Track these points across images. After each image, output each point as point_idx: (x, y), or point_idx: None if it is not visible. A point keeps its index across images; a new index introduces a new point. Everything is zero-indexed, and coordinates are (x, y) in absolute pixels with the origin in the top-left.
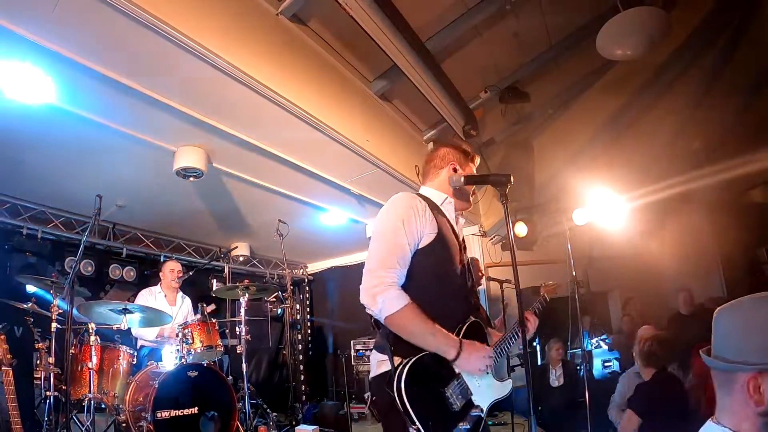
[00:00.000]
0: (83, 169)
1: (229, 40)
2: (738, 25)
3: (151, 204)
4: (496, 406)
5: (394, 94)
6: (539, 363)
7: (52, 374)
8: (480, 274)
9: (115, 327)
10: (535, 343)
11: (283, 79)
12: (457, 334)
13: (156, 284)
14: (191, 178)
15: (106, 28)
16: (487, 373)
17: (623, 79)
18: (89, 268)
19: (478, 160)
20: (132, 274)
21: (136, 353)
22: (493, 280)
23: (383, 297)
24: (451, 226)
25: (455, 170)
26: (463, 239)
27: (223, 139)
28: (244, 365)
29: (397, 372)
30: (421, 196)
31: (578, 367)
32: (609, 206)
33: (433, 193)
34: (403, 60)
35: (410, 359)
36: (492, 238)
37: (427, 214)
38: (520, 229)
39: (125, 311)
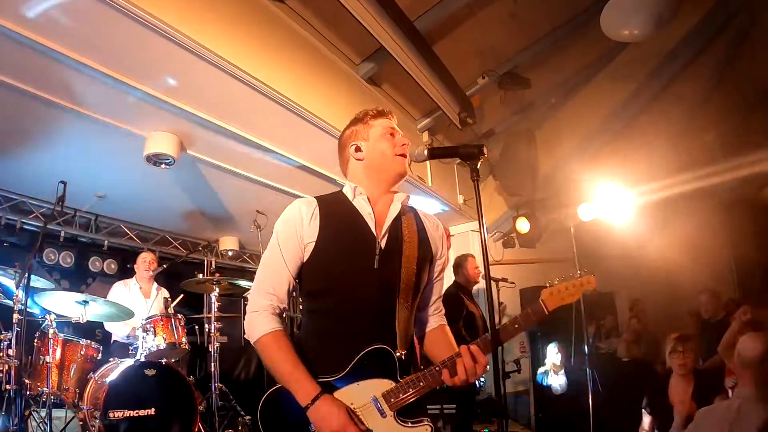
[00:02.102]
0: (52, 157)
1: (194, 16)
2: (752, 9)
3: (132, 195)
4: (492, 414)
5: (384, 78)
6: (540, 368)
7: (12, 367)
8: (476, 271)
9: (74, 320)
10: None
11: (257, 60)
12: (352, 367)
13: (132, 276)
14: (163, 166)
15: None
16: (383, 415)
17: (631, 66)
18: (68, 260)
19: (387, 121)
20: (113, 267)
21: (100, 348)
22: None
23: (248, 322)
24: (361, 222)
25: (358, 149)
26: (402, 234)
27: (197, 124)
28: (212, 364)
29: (263, 398)
30: (321, 198)
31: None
32: (616, 201)
33: (347, 187)
34: (389, 40)
35: (275, 387)
36: (492, 235)
37: (310, 220)
38: (522, 225)
39: (85, 303)
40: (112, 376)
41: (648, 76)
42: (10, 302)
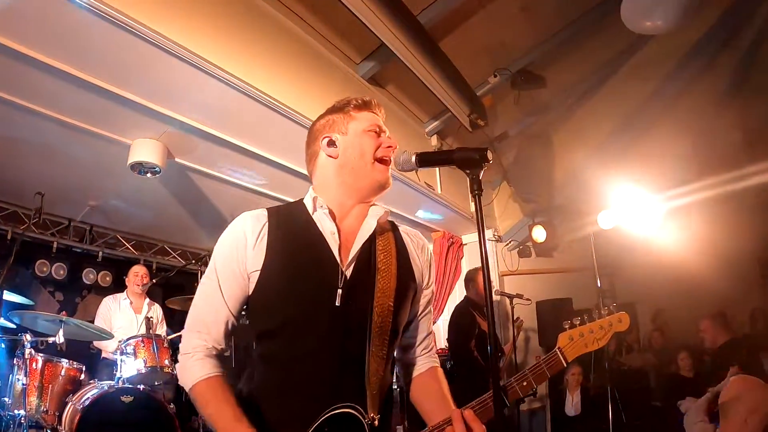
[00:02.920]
0: (35, 166)
1: (171, 14)
2: None
3: (126, 205)
4: None
5: (387, 78)
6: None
7: None
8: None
9: (50, 340)
10: None
11: (244, 61)
12: None
13: (124, 290)
14: (149, 175)
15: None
16: None
17: (654, 62)
18: (61, 272)
19: (373, 116)
20: (108, 279)
21: (83, 368)
22: (503, 294)
23: (179, 366)
24: (321, 244)
25: (332, 142)
26: (374, 260)
27: (185, 131)
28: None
29: None
30: (273, 209)
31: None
32: (638, 208)
33: (308, 196)
34: (390, 36)
35: None
36: (508, 244)
37: (257, 241)
38: (539, 234)
39: (61, 323)
40: (86, 402)
41: (670, 72)
42: None
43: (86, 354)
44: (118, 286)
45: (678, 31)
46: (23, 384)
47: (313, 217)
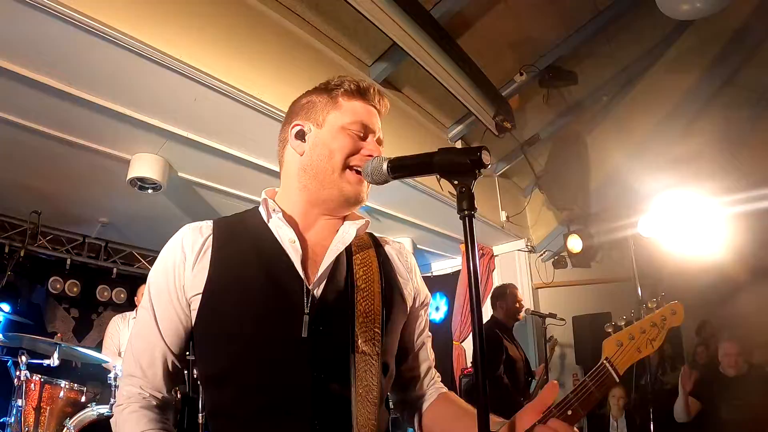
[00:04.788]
0: (36, 183)
1: (170, 26)
2: None
3: (137, 220)
4: None
5: (403, 80)
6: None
7: None
8: (520, 305)
9: (45, 363)
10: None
11: (245, 70)
12: None
13: (134, 309)
14: (150, 191)
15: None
16: None
17: (695, 50)
18: (75, 289)
19: (366, 108)
20: (122, 296)
21: (84, 390)
22: (535, 314)
23: (112, 421)
24: (279, 257)
25: (300, 133)
26: (352, 277)
27: (186, 145)
28: (200, 415)
29: None
30: (221, 222)
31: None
32: (682, 212)
33: (265, 199)
34: (401, 33)
35: None
36: (542, 254)
37: (198, 257)
38: (574, 244)
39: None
40: (81, 426)
41: (715, 60)
42: None
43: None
44: (134, 303)
45: (719, 14)
46: (20, 406)
47: (269, 225)
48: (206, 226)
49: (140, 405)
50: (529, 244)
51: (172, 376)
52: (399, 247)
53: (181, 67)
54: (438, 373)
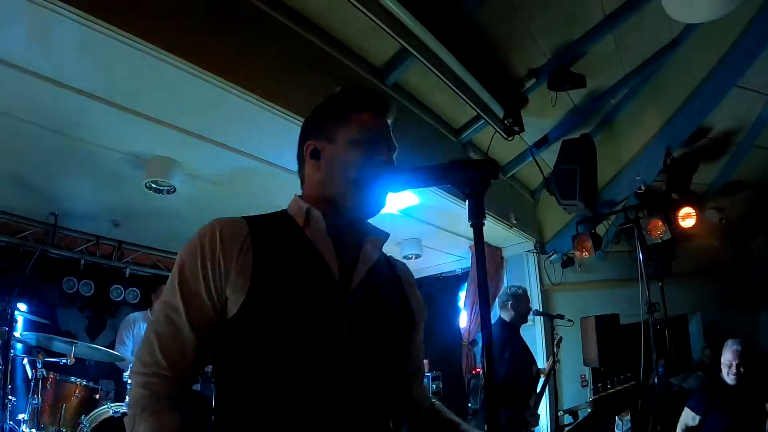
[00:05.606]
0: (52, 184)
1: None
2: None
3: (149, 221)
4: None
5: (413, 84)
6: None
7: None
8: (529, 308)
9: (62, 361)
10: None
11: (255, 73)
12: None
13: (149, 308)
14: (165, 193)
15: None
16: None
17: (702, 53)
18: (88, 289)
19: (375, 118)
20: (135, 295)
21: (99, 388)
22: (542, 314)
23: (133, 413)
24: (322, 268)
25: (315, 153)
26: (380, 289)
27: (199, 146)
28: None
29: None
30: (253, 218)
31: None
32: (685, 213)
33: (297, 204)
34: (409, 36)
35: None
36: (550, 255)
37: (238, 255)
38: (583, 244)
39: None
40: (95, 423)
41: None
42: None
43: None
44: (146, 302)
45: (725, 18)
46: (36, 403)
47: (306, 232)
48: (242, 223)
49: (169, 403)
50: (537, 245)
51: (197, 370)
52: (401, 263)
53: (197, 70)
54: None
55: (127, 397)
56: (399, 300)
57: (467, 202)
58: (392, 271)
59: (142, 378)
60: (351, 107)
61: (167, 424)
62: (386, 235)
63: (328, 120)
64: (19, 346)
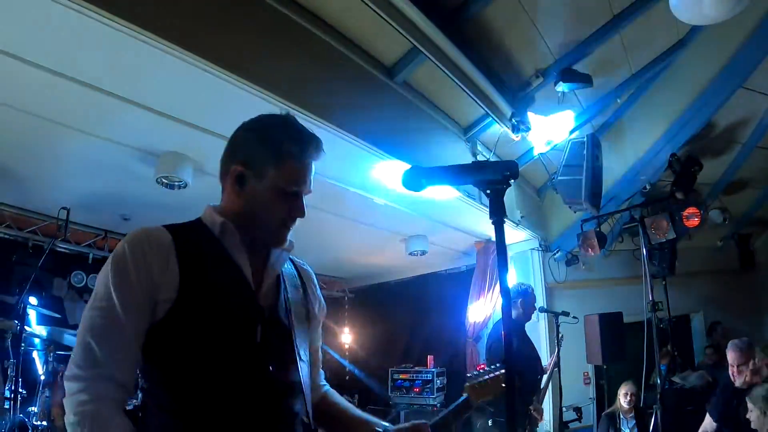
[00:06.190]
0: (63, 179)
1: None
2: None
3: (162, 216)
4: None
5: (422, 82)
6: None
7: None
8: (534, 306)
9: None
10: (602, 381)
11: (266, 69)
12: None
13: None
14: (177, 188)
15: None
16: None
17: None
18: (93, 283)
19: (304, 168)
20: None
21: None
22: (547, 312)
23: (80, 427)
24: (238, 275)
25: (240, 180)
26: (275, 303)
27: (211, 142)
28: None
29: None
30: (172, 227)
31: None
32: (693, 210)
33: (211, 215)
34: (419, 34)
35: None
36: (555, 253)
37: (167, 263)
38: (588, 243)
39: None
40: None
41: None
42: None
43: None
44: None
45: (731, 20)
46: (47, 396)
47: (222, 240)
48: (164, 232)
49: (115, 408)
50: (543, 243)
51: (135, 379)
52: (304, 265)
53: (209, 66)
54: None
55: (65, 405)
56: (302, 299)
57: (489, 200)
58: (296, 273)
59: (82, 383)
60: (289, 153)
61: (103, 423)
62: (291, 245)
63: (262, 154)
64: (30, 339)
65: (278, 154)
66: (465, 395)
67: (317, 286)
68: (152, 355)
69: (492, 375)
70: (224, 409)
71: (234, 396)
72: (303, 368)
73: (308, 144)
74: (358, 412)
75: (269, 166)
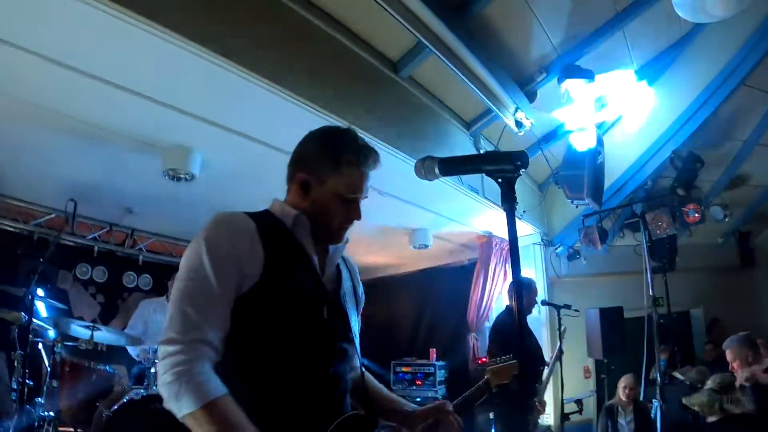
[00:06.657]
0: (68, 171)
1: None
2: None
3: (164, 209)
4: None
5: (426, 76)
6: (605, 403)
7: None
8: (536, 299)
9: (82, 345)
10: (602, 375)
11: (274, 64)
12: None
13: (165, 294)
14: (183, 181)
15: None
16: None
17: (712, 51)
18: (102, 275)
19: (363, 175)
20: (147, 282)
21: (115, 373)
22: (549, 305)
23: (178, 384)
24: (308, 262)
25: (305, 186)
26: (337, 288)
27: (218, 135)
28: None
29: None
30: (252, 215)
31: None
32: (694, 207)
33: (279, 207)
34: (424, 29)
35: None
36: (557, 248)
37: (252, 245)
38: (589, 237)
39: (93, 329)
40: (114, 407)
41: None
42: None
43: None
44: (159, 289)
45: (734, 17)
46: (54, 387)
47: (292, 231)
48: (246, 218)
49: (210, 361)
50: (545, 237)
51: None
52: (352, 259)
53: (218, 59)
54: None
55: (159, 367)
56: (352, 288)
57: (500, 188)
58: (347, 265)
59: (179, 346)
60: (348, 163)
61: (216, 387)
62: (346, 240)
63: (325, 163)
64: (38, 330)
65: (338, 164)
66: (487, 377)
67: (359, 277)
68: (233, 325)
69: (506, 363)
70: (295, 372)
71: (303, 361)
72: (355, 344)
73: (366, 156)
74: (391, 394)
75: (331, 173)
